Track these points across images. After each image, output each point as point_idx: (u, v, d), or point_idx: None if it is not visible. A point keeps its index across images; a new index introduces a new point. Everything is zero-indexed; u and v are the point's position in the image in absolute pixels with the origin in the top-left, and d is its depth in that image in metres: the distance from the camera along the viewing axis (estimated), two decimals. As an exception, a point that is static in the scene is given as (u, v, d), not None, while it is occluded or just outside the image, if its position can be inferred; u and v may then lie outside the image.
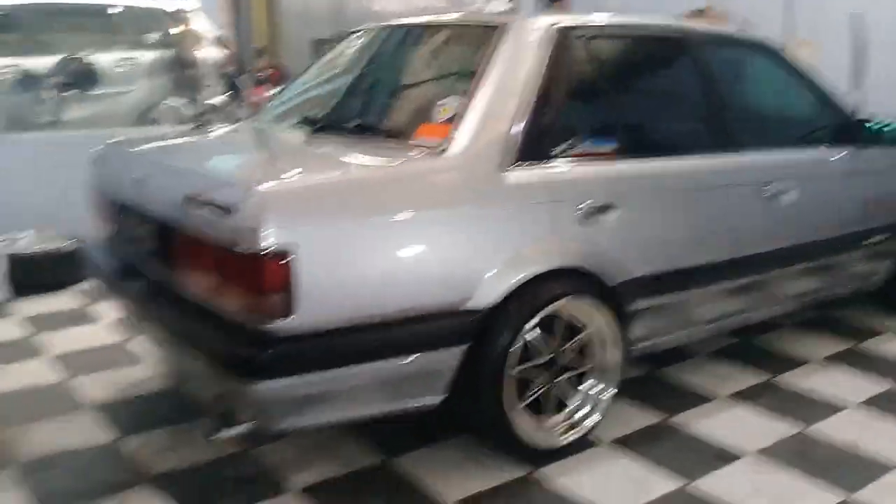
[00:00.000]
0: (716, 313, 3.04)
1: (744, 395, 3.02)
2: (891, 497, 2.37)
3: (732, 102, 3.14)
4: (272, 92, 6.56)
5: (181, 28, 7.95)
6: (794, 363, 3.33)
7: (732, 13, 5.68)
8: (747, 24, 5.64)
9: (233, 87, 7.15)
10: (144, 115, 7.16)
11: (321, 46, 8.29)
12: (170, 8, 8.24)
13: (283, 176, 2.26)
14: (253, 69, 7.30)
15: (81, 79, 6.51)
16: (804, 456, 2.59)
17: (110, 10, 8.08)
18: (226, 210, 2.10)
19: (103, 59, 7.38)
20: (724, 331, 3.28)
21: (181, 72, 7.56)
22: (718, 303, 3.02)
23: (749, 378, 3.17)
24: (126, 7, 8.16)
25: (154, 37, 8.25)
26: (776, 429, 2.77)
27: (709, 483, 2.43)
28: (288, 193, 2.17)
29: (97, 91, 6.73)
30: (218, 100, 6.94)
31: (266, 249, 2.02)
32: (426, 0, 8.12)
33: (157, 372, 3.20)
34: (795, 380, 3.16)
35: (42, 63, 6.89)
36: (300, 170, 2.35)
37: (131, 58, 7.79)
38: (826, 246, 3.35)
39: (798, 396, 3.03)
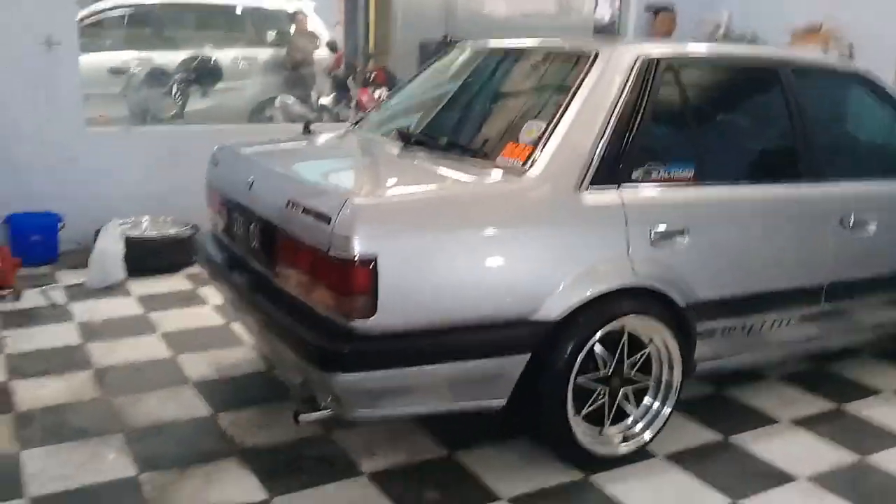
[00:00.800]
0: (784, 339, 3.09)
1: (807, 421, 3.07)
2: (939, 534, 2.40)
3: (818, 132, 3.15)
4: (377, 93, 6.87)
5: (299, 29, 8.40)
6: (864, 392, 3.34)
7: (848, 30, 5.58)
8: (852, 49, 5.57)
9: (341, 87, 7.49)
10: (259, 112, 7.60)
11: (428, 49, 8.57)
12: (291, 9, 8.71)
13: (374, 190, 2.48)
14: (360, 70, 7.63)
15: (205, 75, 6.97)
16: (856, 485, 2.65)
17: (237, 9, 8.62)
18: (323, 218, 2.35)
19: (225, 56, 7.89)
20: (794, 356, 3.32)
21: (295, 71, 7.99)
22: (788, 329, 3.06)
23: (815, 404, 3.22)
24: (252, 7, 8.68)
25: (273, 36, 8.74)
26: (834, 456, 2.82)
27: (756, 502, 2.53)
28: (378, 207, 2.42)
29: (219, 86, 7.18)
30: (327, 99, 7.29)
31: (355, 256, 2.26)
32: (534, 4, 8.20)
33: (253, 355, 3.52)
34: (861, 409, 3.18)
35: (170, 58, 7.44)
36: (390, 184, 2.55)
37: (251, 55, 8.29)
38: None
39: (862, 425, 3.06)
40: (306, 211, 2.44)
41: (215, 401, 3.10)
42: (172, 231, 4.85)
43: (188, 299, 4.28)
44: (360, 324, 2.30)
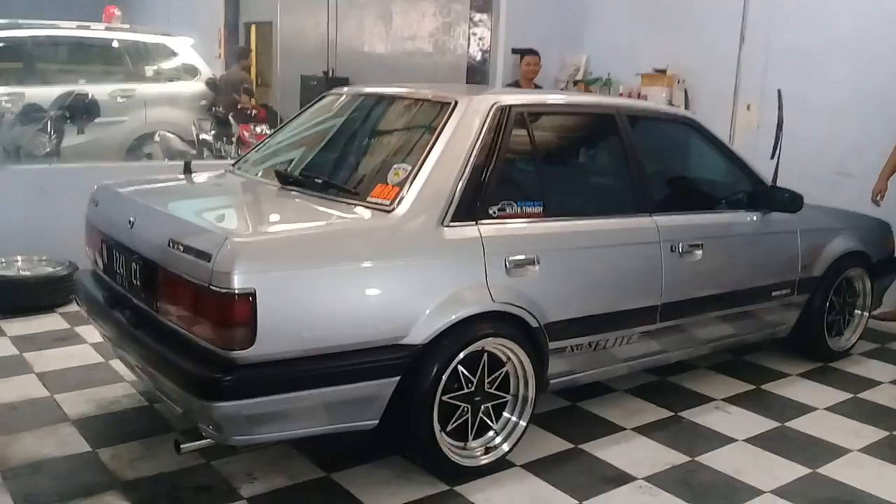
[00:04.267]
0: (628, 354, 3.47)
1: (648, 428, 3.45)
2: (754, 518, 2.79)
3: (651, 170, 3.60)
4: (258, 129, 7.01)
5: (178, 64, 8.41)
6: (699, 401, 3.77)
7: (688, 75, 6.24)
8: (687, 92, 6.23)
9: (223, 123, 7.56)
10: (138, 147, 7.54)
11: (309, 83, 8.76)
12: (171, 44, 8.69)
13: (253, 227, 2.66)
14: (241, 107, 7.74)
15: (81, 111, 6.85)
16: (687, 482, 3.01)
17: (115, 43, 8.52)
18: (204, 256, 2.52)
19: (102, 91, 7.78)
20: (639, 370, 3.70)
21: (174, 106, 7.99)
22: (630, 345, 3.44)
23: (656, 412, 3.61)
24: (130, 41, 8.60)
25: (152, 70, 8.69)
26: (668, 457, 3.19)
27: (599, 501, 2.85)
28: (256, 244, 2.63)
29: (95, 122, 7.07)
30: (208, 135, 7.33)
31: (235, 291, 2.44)
32: (411, 43, 8.54)
33: (133, 391, 3.59)
34: (695, 416, 3.60)
35: (44, 94, 7.27)
36: (268, 222, 2.74)
37: (129, 90, 8.21)
38: (735, 297, 3.79)
39: (694, 430, 3.46)
40: (187, 249, 2.60)
41: (95, 436, 3.16)
42: (47, 270, 4.82)
43: (65, 338, 4.28)
44: (239, 354, 2.48)
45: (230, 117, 7.43)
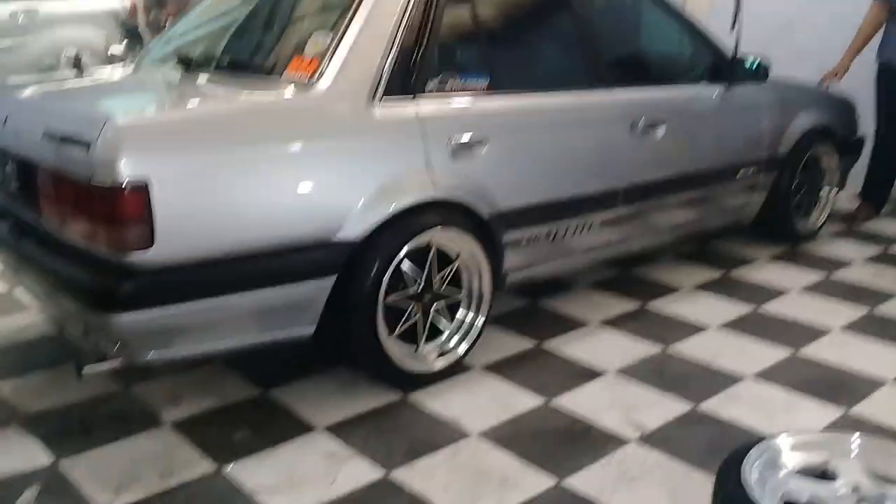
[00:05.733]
0: (588, 245, 3.16)
1: (614, 321, 3.18)
2: (732, 405, 2.55)
3: (605, 41, 3.23)
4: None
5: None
6: (665, 290, 3.51)
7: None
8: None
9: (133, 36, 6.96)
10: (44, 66, 6.92)
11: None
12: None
13: (142, 110, 2.25)
14: (153, 18, 7.13)
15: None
16: (661, 373, 2.76)
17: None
18: (82, 143, 2.10)
19: (2, 10, 7.11)
20: (600, 261, 3.42)
21: (86, 24, 7.33)
22: (592, 234, 3.13)
23: (621, 305, 3.33)
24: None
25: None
26: (639, 349, 2.94)
27: (569, 398, 2.58)
28: (145, 126, 2.20)
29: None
30: (118, 49, 6.74)
31: (123, 182, 2.03)
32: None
33: (40, 319, 3.19)
34: (663, 306, 3.34)
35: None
36: (162, 104, 2.32)
37: (32, 9, 7.50)
38: (699, 179, 3.51)
39: (664, 321, 3.21)
40: (64, 139, 2.17)
41: (-4, 369, 2.78)
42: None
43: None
44: (137, 257, 2.09)
45: (143, 28, 6.82)
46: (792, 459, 1.86)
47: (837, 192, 4.29)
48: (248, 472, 2.20)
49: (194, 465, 2.24)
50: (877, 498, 1.72)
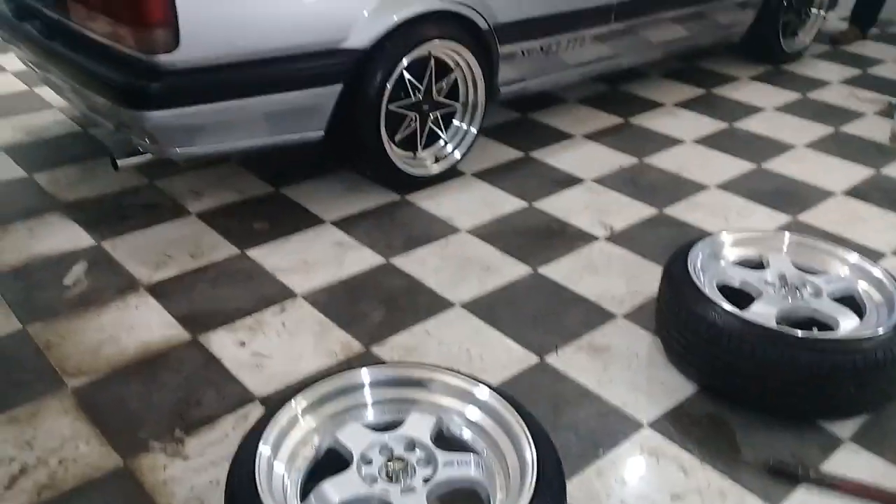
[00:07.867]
0: (580, 59, 3.33)
1: (598, 134, 3.43)
2: (694, 210, 2.86)
3: None
4: None
5: None
6: (649, 106, 3.73)
7: None
8: None
9: None
10: None
11: None
12: None
13: None
14: None
15: None
16: (635, 181, 3.06)
17: None
18: None
19: None
20: (590, 76, 3.61)
21: None
22: (582, 49, 3.30)
23: (606, 120, 3.57)
24: None
25: None
26: (617, 160, 3.21)
27: (549, 201, 2.89)
28: None
29: None
30: None
31: (150, -13, 2.19)
32: None
33: (64, 117, 3.41)
34: (644, 121, 3.58)
35: None
36: None
37: None
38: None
39: (643, 134, 3.46)
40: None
41: (29, 162, 3.04)
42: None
43: (-15, 68, 3.98)
44: (164, 58, 2.29)
45: None
46: (732, 253, 2.21)
47: (827, 13, 4.38)
48: (266, 256, 2.53)
49: (220, 248, 2.57)
50: (798, 284, 2.08)
